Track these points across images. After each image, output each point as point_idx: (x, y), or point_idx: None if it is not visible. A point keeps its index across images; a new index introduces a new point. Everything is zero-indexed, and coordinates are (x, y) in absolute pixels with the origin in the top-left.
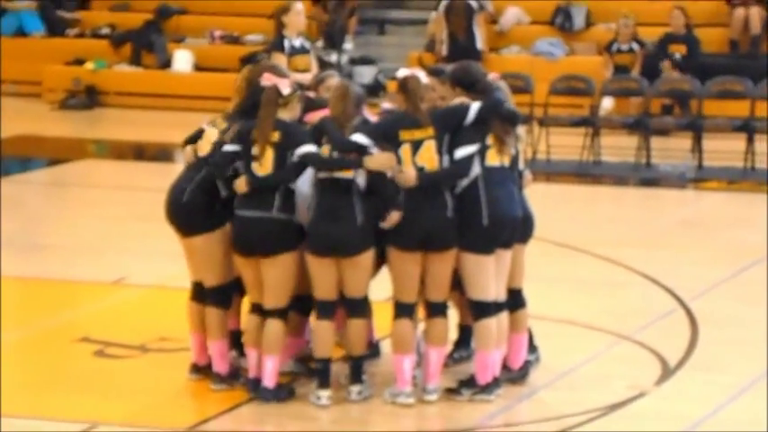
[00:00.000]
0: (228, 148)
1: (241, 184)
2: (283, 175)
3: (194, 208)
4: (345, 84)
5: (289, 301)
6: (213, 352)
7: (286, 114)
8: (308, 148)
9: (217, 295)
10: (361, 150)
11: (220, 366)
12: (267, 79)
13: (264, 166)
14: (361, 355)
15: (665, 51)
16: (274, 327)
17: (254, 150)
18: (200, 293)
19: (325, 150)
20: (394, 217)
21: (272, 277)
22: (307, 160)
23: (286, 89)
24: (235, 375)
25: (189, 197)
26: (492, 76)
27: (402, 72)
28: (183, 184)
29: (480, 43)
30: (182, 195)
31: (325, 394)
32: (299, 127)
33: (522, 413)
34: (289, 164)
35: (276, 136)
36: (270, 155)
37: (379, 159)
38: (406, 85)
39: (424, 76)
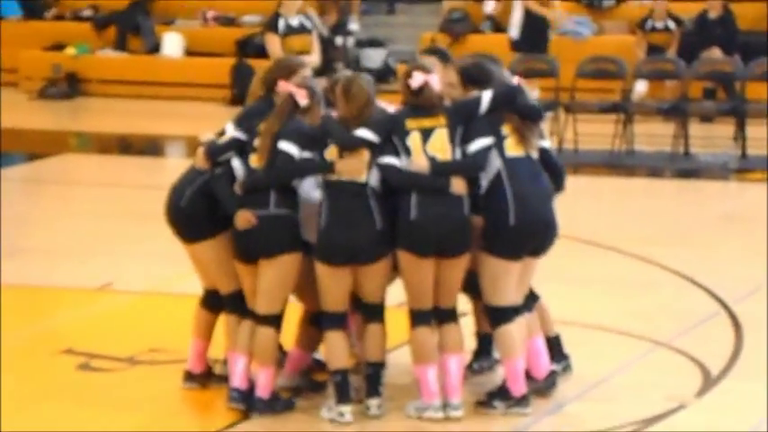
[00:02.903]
0: (235, 134)
1: (238, 185)
2: (268, 174)
3: (194, 213)
4: (354, 79)
5: (282, 308)
6: (231, 366)
7: (306, 120)
8: (288, 146)
9: (235, 302)
10: (369, 146)
11: (238, 382)
12: (283, 87)
13: (261, 157)
14: (380, 362)
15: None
16: (266, 336)
17: (256, 142)
18: (212, 301)
19: (333, 151)
20: (458, 184)
21: (268, 280)
22: (279, 160)
23: (303, 101)
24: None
25: (188, 202)
26: (516, 80)
27: (416, 81)
28: (183, 186)
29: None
30: (180, 199)
31: (347, 410)
32: (300, 123)
33: (549, 427)
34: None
35: (277, 127)
36: (266, 147)
37: (349, 164)
38: (420, 92)
39: (433, 74)
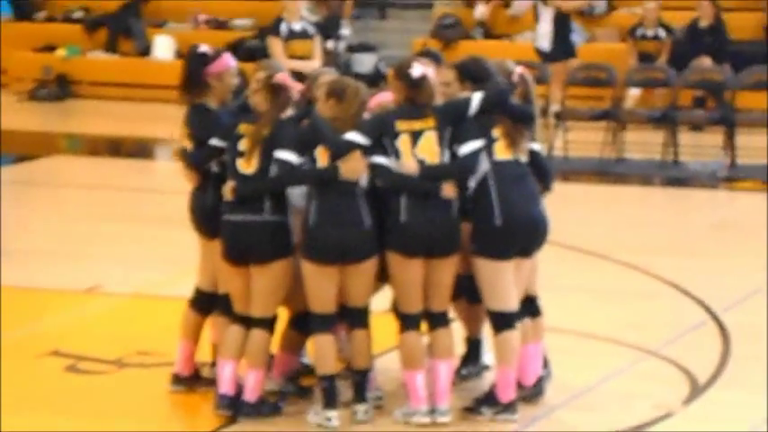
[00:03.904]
0: (213, 142)
1: (228, 190)
2: (268, 183)
3: (219, 211)
4: (347, 81)
5: (276, 312)
6: (219, 370)
7: (278, 113)
8: (287, 155)
9: (228, 303)
10: (360, 149)
11: (226, 388)
12: (282, 79)
13: (251, 163)
14: (366, 368)
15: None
16: (259, 338)
17: (241, 146)
18: (202, 303)
19: (323, 153)
20: (449, 189)
21: (263, 286)
22: (279, 168)
23: (297, 95)
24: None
25: (212, 200)
26: (519, 71)
27: (417, 71)
28: (203, 188)
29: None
30: (206, 199)
31: (334, 414)
32: (291, 126)
33: None
34: (273, 170)
35: (266, 131)
36: (257, 151)
37: (351, 166)
38: (420, 82)
39: (431, 70)
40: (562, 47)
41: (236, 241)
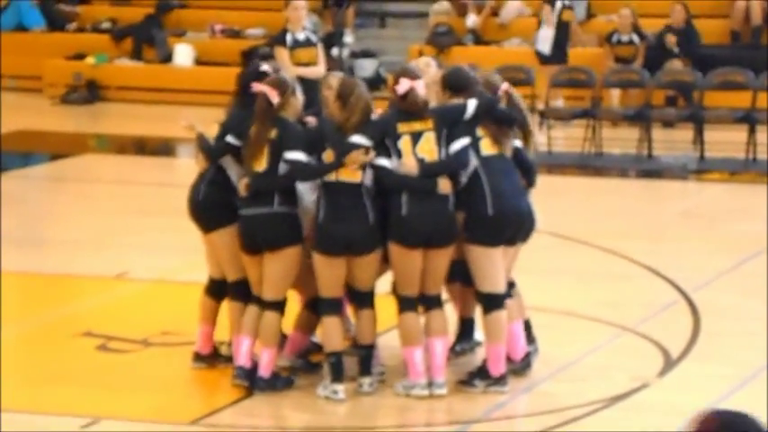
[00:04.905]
0: (229, 139)
1: (242, 187)
2: (279, 179)
3: (210, 204)
4: (352, 86)
5: (286, 295)
6: (235, 347)
7: (287, 113)
8: (296, 155)
9: (239, 289)
10: (363, 150)
11: (243, 361)
12: (256, 87)
13: (260, 162)
14: (371, 344)
15: (664, 44)
16: (272, 319)
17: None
18: (215, 290)
19: (329, 153)
20: (445, 185)
21: (274, 271)
22: (291, 168)
23: (275, 99)
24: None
25: (204, 195)
26: (504, 87)
27: (402, 87)
28: (198, 183)
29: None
30: (198, 194)
31: (341, 388)
32: (296, 128)
33: (524, 405)
34: (282, 168)
35: (273, 133)
36: (266, 151)
37: (353, 157)
38: (405, 97)
39: (419, 80)
40: (559, 53)
41: (250, 233)
